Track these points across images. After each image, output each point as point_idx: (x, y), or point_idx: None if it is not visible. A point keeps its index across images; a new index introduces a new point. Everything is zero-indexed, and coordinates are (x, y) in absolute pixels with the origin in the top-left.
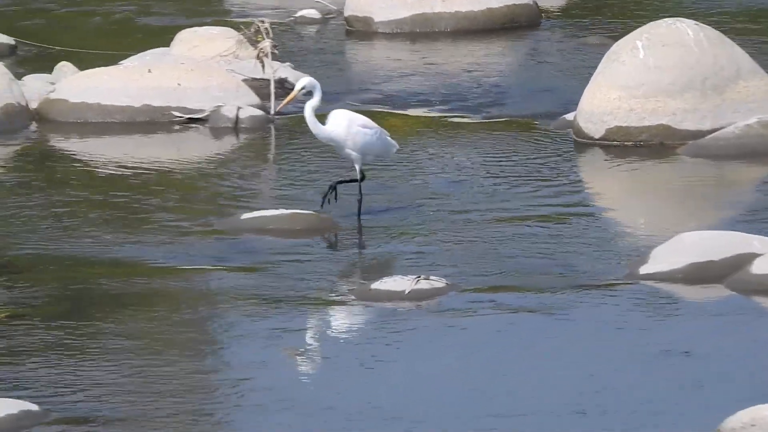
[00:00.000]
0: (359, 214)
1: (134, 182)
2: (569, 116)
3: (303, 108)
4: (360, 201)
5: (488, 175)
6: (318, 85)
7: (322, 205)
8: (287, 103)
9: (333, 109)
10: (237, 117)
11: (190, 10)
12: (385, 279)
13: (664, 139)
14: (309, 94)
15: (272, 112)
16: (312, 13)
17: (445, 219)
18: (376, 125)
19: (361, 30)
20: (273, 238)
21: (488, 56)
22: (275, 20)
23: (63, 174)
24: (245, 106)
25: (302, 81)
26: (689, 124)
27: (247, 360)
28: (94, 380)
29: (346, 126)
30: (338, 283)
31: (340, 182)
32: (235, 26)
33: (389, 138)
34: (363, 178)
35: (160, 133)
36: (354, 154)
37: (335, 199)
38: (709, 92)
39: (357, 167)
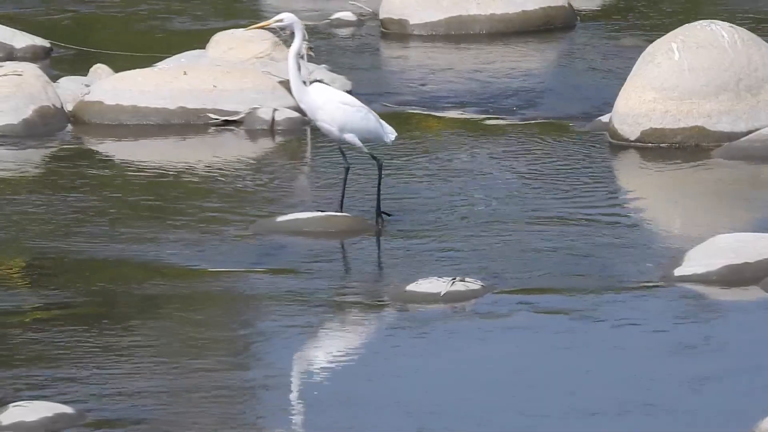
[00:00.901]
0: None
1: (169, 184)
2: (604, 118)
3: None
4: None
5: (523, 176)
6: (300, 24)
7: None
8: (259, 27)
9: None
10: (273, 119)
11: (225, 12)
12: (421, 281)
13: (699, 141)
14: (293, 35)
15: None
16: (347, 15)
17: (480, 220)
18: (361, 104)
19: (397, 32)
20: (308, 240)
21: (523, 58)
22: (311, 22)
23: (98, 176)
24: (281, 108)
25: (282, 15)
26: (724, 126)
27: (282, 362)
28: (129, 382)
29: (324, 97)
30: (373, 284)
31: (378, 195)
32: (271, 28)
33: (383, 123)
34: (379, 164)
35: (195, 135)
36: (332, 129)
37: (387, 214)
38: (743, 93)
39: (357, 143)
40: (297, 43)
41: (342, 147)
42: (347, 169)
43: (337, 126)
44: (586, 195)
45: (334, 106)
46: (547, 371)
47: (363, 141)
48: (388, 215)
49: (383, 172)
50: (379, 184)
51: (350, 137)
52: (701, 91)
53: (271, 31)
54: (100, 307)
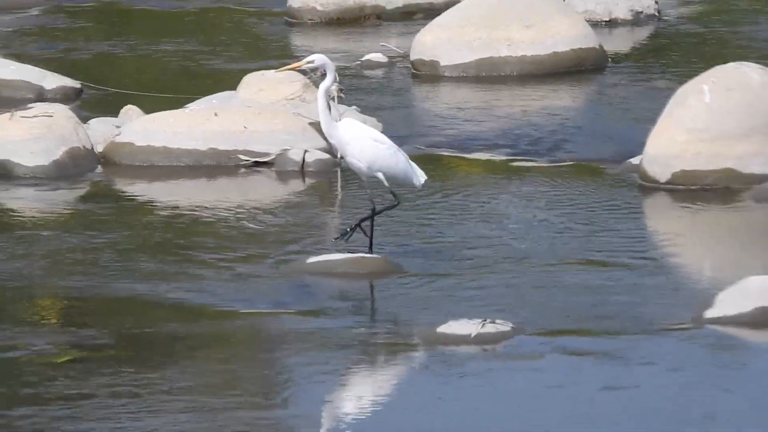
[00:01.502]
0: (370, 244)
1: (200, 225)
2: (635, 160)
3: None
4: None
5: (552, 217)
6: (331, 65)
7: (346, 239)
8: (290, 68)
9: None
10: (303, 160)
11: (256, 54)
12: (451, 322)
13: (730, 183)
14: (323, 76)
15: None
16: (378, 56)
17: (510, 261)
18: (392, 143)
19: (428, 74)
20: (338, 281)
21: (554, 100)
22: (342, 63)
23: (129, 216)
24: (312, 149)
25: (313, 56)
26: (755, 168)
27: (312, 402)
28: (157, 424)
29: (353, 132)
30: (404, 326)
31: (369, 216)
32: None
33: (413, 165)
34: (398, 202)
35: (226, 176)
36: (360, 165)
37: (365, 233)
38: None
39: (383, 181)
40: (328, 80)
41: (369, 190)
42: (373, 210)
43: (366, 162)
44: (616, 237)
45: (364, 141)
46: (579, 412)
47: (391, 182)
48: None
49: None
50: (377, 214)
51: (379, 175)
52: (732, 133)
53: (302, 73)
54: (131, 347)
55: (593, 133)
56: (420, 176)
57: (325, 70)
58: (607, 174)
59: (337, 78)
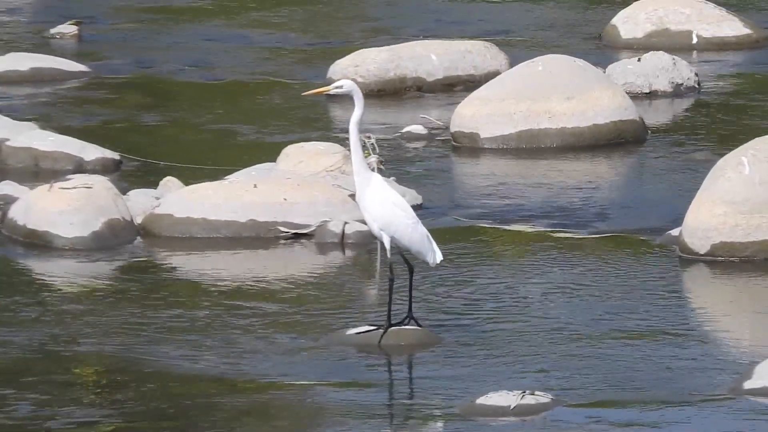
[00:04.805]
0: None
1: (239, 296)
2: (674, 232)
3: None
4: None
5: (592, 289)
6: (359, 92)
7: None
8: (318, 92)
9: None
10: (343, 232)
11: (296, 126)
12: (490, 393)
13: None
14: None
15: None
16: (418, 128)
17: (548, 333)
18: (415, 216)
19: (468, 146)
20: (378, 353)
21: (594, 172)
22: (382, 135)
23: (167, 289)
24: (351, 221)
25: (342, 81)
26: None
27: None
28: None
29: (377, 191)
30: (443, 397)
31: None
32: (342, 141)
33: (433, 243)
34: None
35: (265, 248)
36: (373, 224)
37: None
38: None
39: (386, 245)
40: (357, 112)
41: (390, 261)
42: (392, 281)
43: (381, 224)
44: (655, 308)
45: (386, 203)
46: None
47: (406, 251)
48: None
49: (414, 278)
50: (410, 289)
51: (385, 239)
52: None
53: (342, 145)
54: (171, 421)
55: (633, 205)
56: (437, 254)
57: (353, 96)
58: (647, 246)
59: (377, 149)
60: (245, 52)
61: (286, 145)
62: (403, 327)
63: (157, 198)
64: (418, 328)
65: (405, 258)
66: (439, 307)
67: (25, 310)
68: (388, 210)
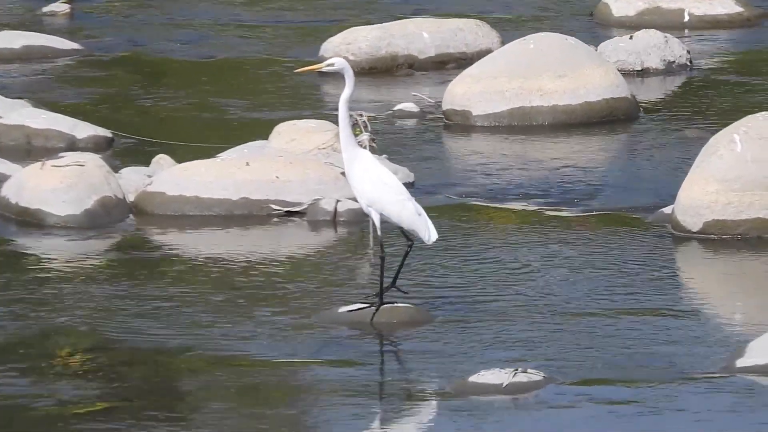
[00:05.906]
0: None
1: (231, 275)
2: (667, 210)
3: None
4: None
5: (584, 267)
6: (350, 70)
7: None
8: (309, 69)
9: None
10: (335, 210)
11: (288, 103)
12: (483, 372)
13: (762, 233)
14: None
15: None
16: (410, 106)
17: (541, 311)
18: (405, 192)
19: (459, 123)
20: (370, 331)
21: (586, 149)
22: (373, 113)
23: (160, 267)
24: (344, 198)
25: (333, 59)
26: None
27: None
28: None
29: (364, 166)
30: (435, 375)
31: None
32: (334, 119)
33: (428, 221)
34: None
35: (258, 226)
36: (362, 201)
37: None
38: None
39: (376, 222)
40: (348, 90)
41: (381, 239)
42: (382, 259)
43: (366, 199)
44: (647, 286)
45: (375, 180)
46: None
47: (399, 229)
48: (404, 292)
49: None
50: (403, 259)
51: (375, 216)
52: (764, 182)
53: (334, 123)
54: (160, 397)
55: (625, 183)
56: (432, 232)
57: (344, 74)
58: (639, 223)
59: (369, 127)
60: (237, 30)
61: (278, 123)
62: (396, 305)
63: (150, 176)
64: (404, 295)
65: (405, 233)
66: (431, 284)
67: (16, 288)
68: (374, 186)
